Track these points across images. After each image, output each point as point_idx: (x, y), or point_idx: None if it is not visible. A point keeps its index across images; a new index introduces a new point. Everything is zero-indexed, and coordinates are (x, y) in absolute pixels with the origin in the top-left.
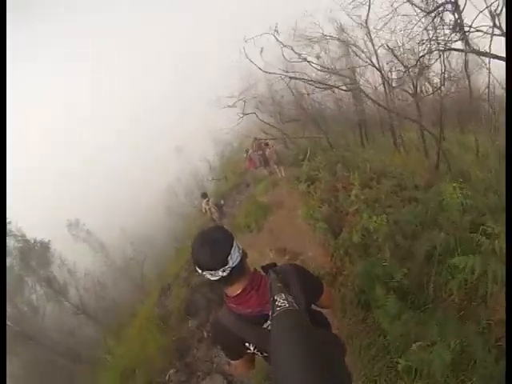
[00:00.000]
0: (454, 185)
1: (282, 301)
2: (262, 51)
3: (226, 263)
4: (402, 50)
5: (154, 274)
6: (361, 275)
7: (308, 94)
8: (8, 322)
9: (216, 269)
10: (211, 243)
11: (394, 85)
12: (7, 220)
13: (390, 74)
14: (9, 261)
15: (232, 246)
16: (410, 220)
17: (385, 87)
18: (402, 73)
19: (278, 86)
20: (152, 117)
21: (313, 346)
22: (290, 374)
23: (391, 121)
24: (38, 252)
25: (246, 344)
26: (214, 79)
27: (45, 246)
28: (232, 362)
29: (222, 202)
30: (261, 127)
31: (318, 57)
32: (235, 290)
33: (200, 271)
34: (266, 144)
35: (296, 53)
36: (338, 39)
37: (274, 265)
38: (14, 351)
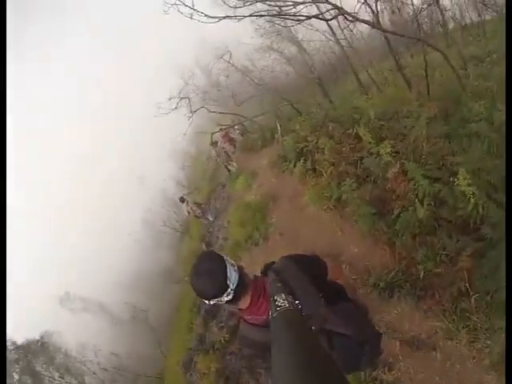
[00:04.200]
0: None
1: (281, 301)
2: None
3: (227, 287)
4: None
5: (166, 327)
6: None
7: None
8: None
9: (220, 295)
10: (206, 274)
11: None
12: None
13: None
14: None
15: (226, 268)
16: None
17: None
18: None
19: (217, 67)
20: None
21: (310, 346)
22: (287, 373)
23: (350, 62)
24: (39, 352)
25: None
26: (145, 89)
27: (42, 342)
28: None
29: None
30: (215, 120)
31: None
32: (245, 303)
33: (207, 302)
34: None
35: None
36: None
37: (272, 263)
38: None
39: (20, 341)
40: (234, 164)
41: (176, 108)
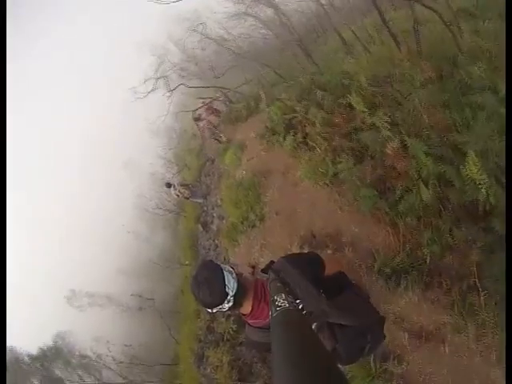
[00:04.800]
0: None
1: (281, 301)
2: None
3: (227, 294)
4: None
5: (174, 313)
6: None
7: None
8: None
9: (221, 303)
10: (206, 283)
11: None
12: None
13: None
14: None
15: (224, 276)
16: None
17: None
18: None
19: (191, 40)
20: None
21: (310, 345)
22: (287, 373)
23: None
24: (55, 357)
25: None
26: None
27: (56, 347)
28: None
29: (189, 184)
30: (196, 95)
31: None
32: (247, 308)
33: (210, 311)
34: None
35: None
36: None
37: (272, 262)
38: None
39: (35, 349)
40: (222, 135)
41: (153, 90)
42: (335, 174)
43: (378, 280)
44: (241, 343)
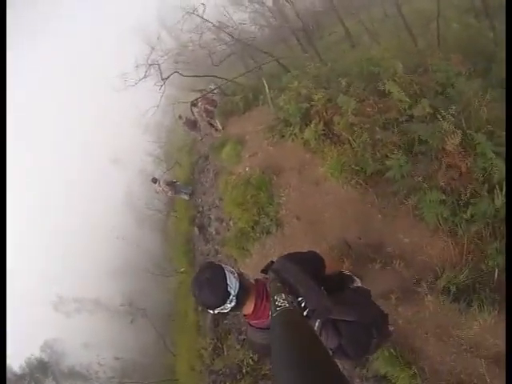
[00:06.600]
0: None
1: (281, 301)
2: None
3: (229, 294)
4: None
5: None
6: None
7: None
8: None
9: (223, 304)
10: (207, 284)
11: None
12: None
13: None
14: None
15: (226, 276)
16: None
17: None
18: None
19: (187, 26)
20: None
21: (310, 345)
22: (287, 372)
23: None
24: (42, 370)
25: None
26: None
27: (44, 362)
28: None
29: (175, 180)
30: (188, 86)
31: None
32: (248, 308)
33: (211, 311)
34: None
35: None
36: None
37: (272, 262)
38: None
39: (22, 360)
40: (218, 123)
41: (145, 77)
42: (378, 172)
43: (443, 302)
44: (264, 376)
